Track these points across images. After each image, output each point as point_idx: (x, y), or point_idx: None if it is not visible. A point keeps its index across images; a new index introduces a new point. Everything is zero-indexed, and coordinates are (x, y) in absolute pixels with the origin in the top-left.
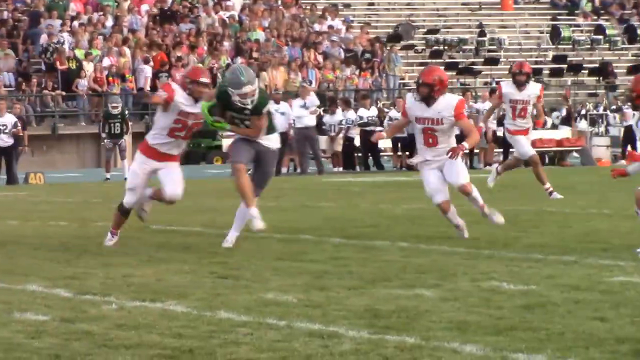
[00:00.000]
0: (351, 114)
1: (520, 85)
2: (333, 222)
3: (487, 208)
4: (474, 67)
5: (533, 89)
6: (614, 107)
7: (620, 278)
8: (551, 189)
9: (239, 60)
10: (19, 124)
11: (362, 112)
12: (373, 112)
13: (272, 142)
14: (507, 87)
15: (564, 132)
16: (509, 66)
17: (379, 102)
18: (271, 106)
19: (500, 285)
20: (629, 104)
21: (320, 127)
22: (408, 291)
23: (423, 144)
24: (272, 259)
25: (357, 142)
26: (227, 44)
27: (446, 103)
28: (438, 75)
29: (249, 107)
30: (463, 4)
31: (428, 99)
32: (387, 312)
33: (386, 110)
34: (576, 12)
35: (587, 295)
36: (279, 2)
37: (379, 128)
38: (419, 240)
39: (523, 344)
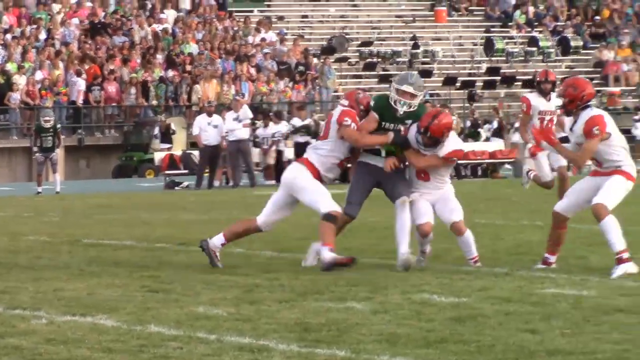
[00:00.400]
0: (282, 127)
1: (546, 94)
2: (265, 235)
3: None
4: None
5: (557, 99)
6: None
7: (551, 290)
8: None
9: (171, 73)
10: None
11: (297, 122)
12: (308, 122)
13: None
14: (535, 98)
15: (497, 144)
16: (442, 78)
17: (313, 115)
18: (203, 119)
19: (431, 298)
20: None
21: (253, 140)
22: (339, 304)
23: (415, 177)
24: (203, 273)
25: (289, 154)
26: (160, 57)
27: (445, 148)
28: (446, 125)
29: (400, 110)
30: (397, 16)
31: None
32: (317, 325)
33: (321, 122)
34: (510, 24)
35: (518, 307)
36: (213, 15)
37: (313, 140)
38: (350, 252)
39: (453, 357)
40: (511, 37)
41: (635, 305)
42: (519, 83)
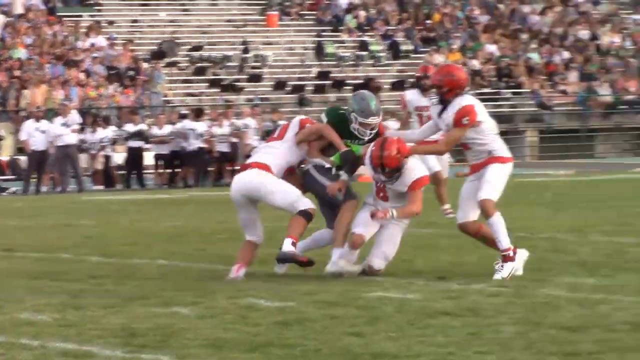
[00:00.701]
0: (109, 132)
1: (425, 90)
2: (92, 240)
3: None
4: (238, 83)
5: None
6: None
7: (378, 293)
8: (449, 210)
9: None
10: None
11: (130, 127)
12: (141, 127)
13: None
14: (411, 94)
15: None
16: (272, 82)
17: (144, 120)
18: (31, 125)
19: (258, 302)
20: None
21: (80, 145)
22: (165, 309)
23: (375, 195)
24: (27, 278)
25: (117, 159)
26: None
27: (407, 177)
28: (399, 152)
29: (366, 138)
30: (227, 20)
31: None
32: (143, 330)
33: (153, 127)
34: (341, 28)
35: (344, 311)
36: (43, 20)
37: (147, 145)
38: (177, 257)
39: None
40: (342, 42)
41: (460, 308)
42: (350, 87)
